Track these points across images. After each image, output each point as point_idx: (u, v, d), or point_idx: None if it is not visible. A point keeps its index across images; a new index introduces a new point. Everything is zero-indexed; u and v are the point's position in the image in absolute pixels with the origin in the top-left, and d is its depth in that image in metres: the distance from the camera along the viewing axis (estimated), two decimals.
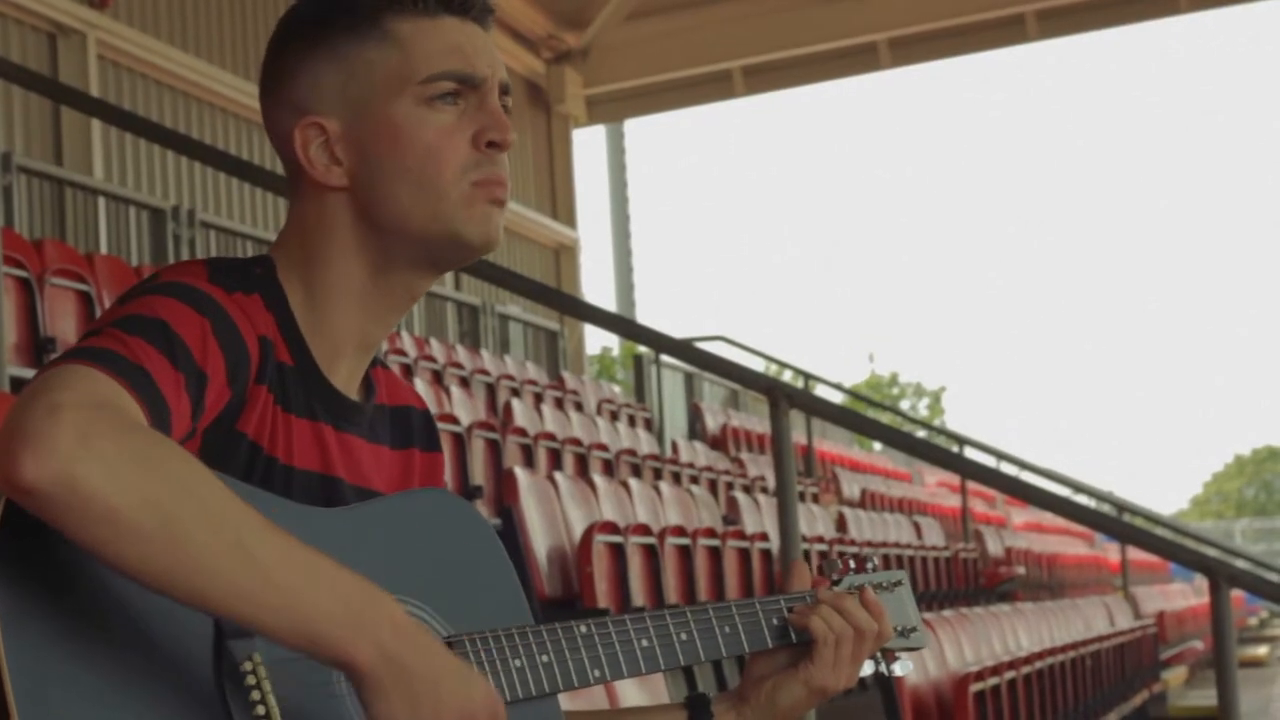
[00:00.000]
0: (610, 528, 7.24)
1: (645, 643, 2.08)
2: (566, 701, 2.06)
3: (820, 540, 10.01)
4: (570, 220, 18.43)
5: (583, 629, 2.01)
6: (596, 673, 2.00)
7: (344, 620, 1.63)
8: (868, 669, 2.31)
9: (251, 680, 1.70)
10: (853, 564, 2.35)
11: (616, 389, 16.84)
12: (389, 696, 1.66)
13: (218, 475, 1.64)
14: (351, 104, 1.94)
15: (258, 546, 1.61)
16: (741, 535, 8.60)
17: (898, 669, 2.34)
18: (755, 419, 17.37)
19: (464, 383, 10.60)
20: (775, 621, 2.22)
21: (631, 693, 4.06)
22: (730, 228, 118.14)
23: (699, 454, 13.64)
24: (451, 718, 1.69)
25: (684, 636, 2.12)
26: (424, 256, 1.97)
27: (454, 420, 8.01)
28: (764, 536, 8.77)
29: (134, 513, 1.56)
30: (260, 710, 1.70)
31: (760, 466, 13.92)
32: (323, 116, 1.95)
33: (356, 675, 1.66)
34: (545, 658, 1.96)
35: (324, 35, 1.95)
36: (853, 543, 10.84)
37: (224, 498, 1.62)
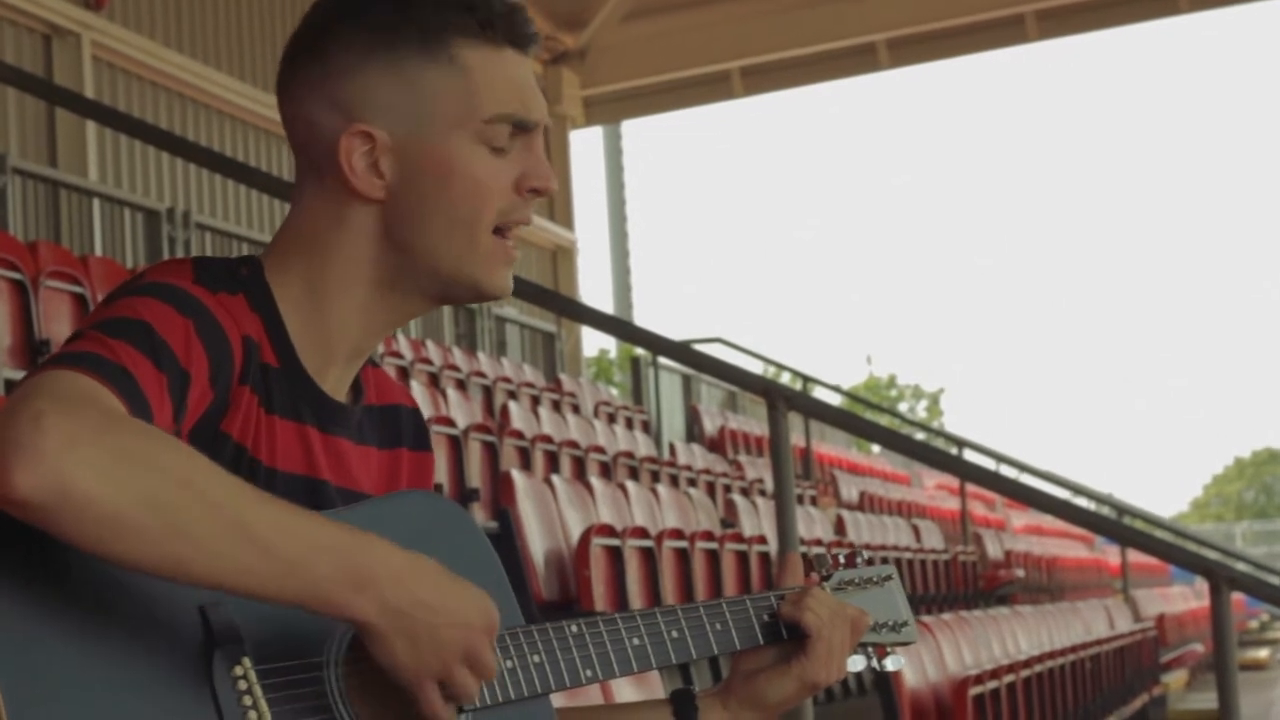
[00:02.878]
0: (607, 531, 7.22)
1: (636, 641, 2.07)
2: (559, 699, 2.05)
3: (819, 543, 9.99)
4: (567, 222, 18.40)
5: (573, 628, 2.00)
6: (588, 672, 2.00)
7: (345, 581, 1.66)
8: (860, 664, 2.31)
9: (243, 685, 1.71)
10: (842, 559, 2.35)
11: (614, 391, 16.83)
12: (392, 644, 1.70)
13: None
14: (407, 122, 1.90)
15: (255, 522, 1.62)
16: (740, 538, 8.57)
17: (889, 664, 2.34)
18: (753, 421, 17.34)
19: (460, 385, 10.56)
20: (766, 618, 2.23)
21: (628, 692, 4.03)
22: (728, 229, 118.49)
23: (696, 456, 13.62)
24: (452, 652, 1.73)
25: (675, 634, 2.12)
26: (437, 291, 1.97)
27: (450, 423, 7.98)
28: (762, 539, 8.75)
29: (131, 510, 1.56)
30: (253, 716, 1.70)
31: (758, 469, 13.89)
32: (373, 126, 1.90)
33: (361, 628, 1.70)
34: (537, 658, 1.95)
35: (387, 43, 1.91)
36: (851, 546, 10.80)
37: (216, 478, 1.63)
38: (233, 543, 1.61)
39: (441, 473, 7.56)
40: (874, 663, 2.33)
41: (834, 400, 24.26)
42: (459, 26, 1.91)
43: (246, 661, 1.71)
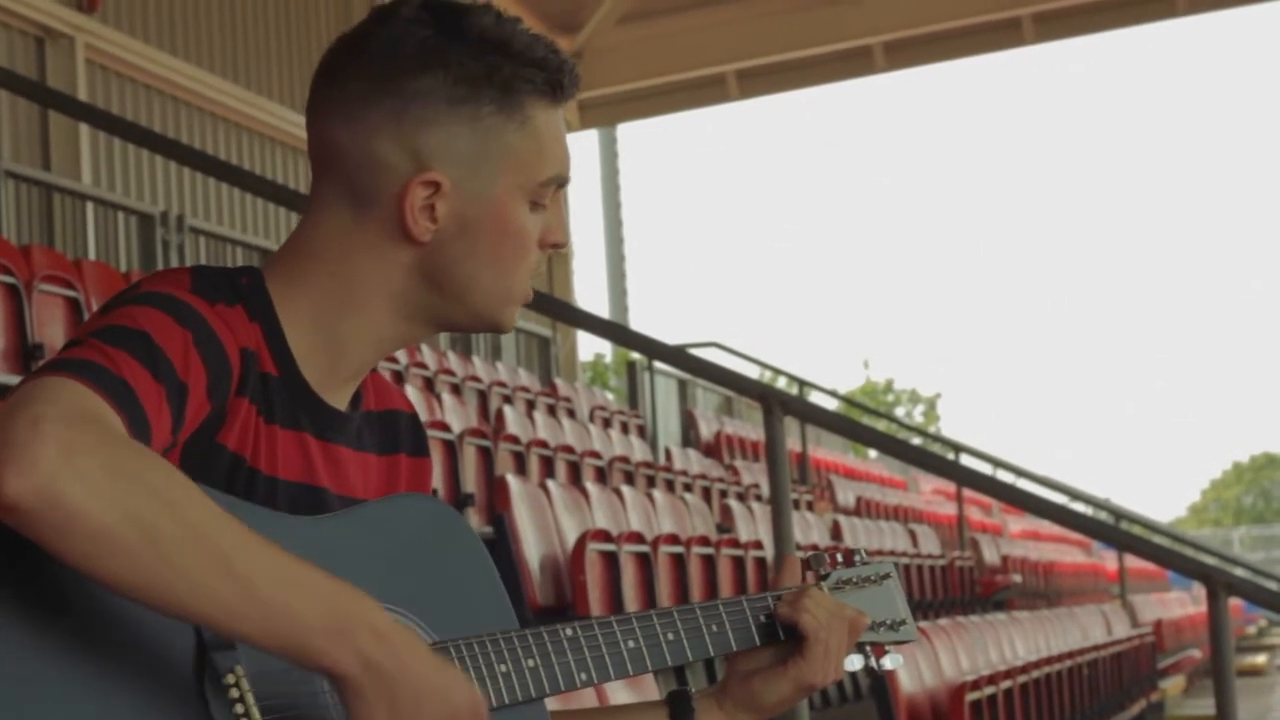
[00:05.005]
0: (603, 536, 7.20)
1: (632, 644, 2.06)
2: (553, 702, 2.04)
3: (815, 548, 9.96)
4: None
5: (568, 632, 2.00)
6: (583, 676, 2.00)
7: (326, 630, 1.64)
8: (857, 663, 2.31)
9: (235, 693, 1.70)
10: (840, 558, 2.35)
11: (609, 396, 16.81)
12: (369, 703, 1.67)
13: (200, 487, 1.64)
14: (473, 175, 1.93)
15: (240, 560, 1.62)
16: (736, 543, 8.56)
17: (888, 663, 2.34)
18: (749, 426, 17.33)
19: (456, 390, 10.53)
20: (762, 619, 2.23)
21: (621, 694, 4.01)
22: (724, 233, 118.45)
23: (692, 461, 13.60)
24: None
25: (671, 637, 2.11)
26: (452, 323, 2.01)
27: (446, 428, 7.95)
28: (758, 545, 8.74)
29: (117, 529, 1.56)
30: None
31: (754, 474, 13.88)
32: (442, 175, 1.92)
33: (339, 682, 1.67)
34: (531, 662, 1.95)
35: (469, 99, 1.93)
36: (846, 549, 10.78)
37: (207, 511, 1.62)
38: (215, 577, 1.60)
39: (436, 478, 7.52)
40: (872, 662, 2.33)
41: (830, 405, 24.25)
42: (532, 87, 1.95)
43: (239, 669, 1.71)
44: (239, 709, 1.69)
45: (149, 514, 1.57)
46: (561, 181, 2.00)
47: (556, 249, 2.03)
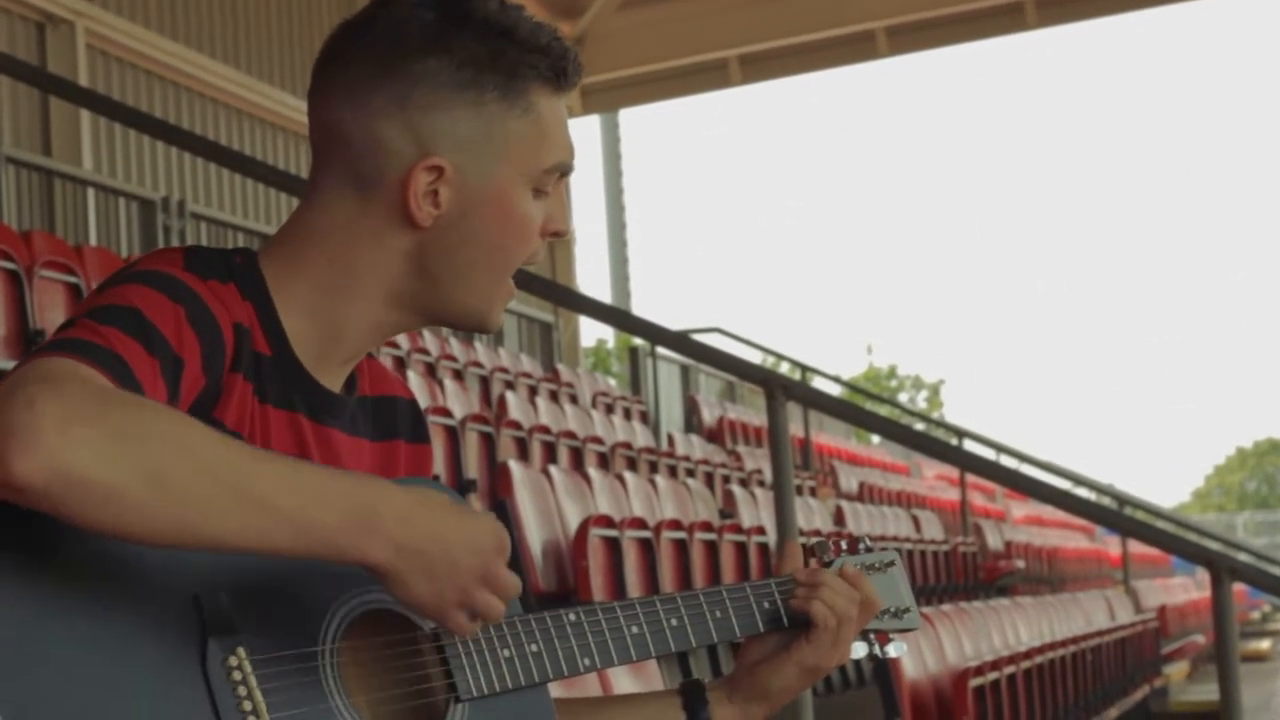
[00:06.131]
0: (605, 521, 7.19)
1: (635, 629, 2.06)
2: (558, 688, 2.04)
3: (818, 534, 9.95)
4: None
5: (571, 617, 2.00)
6: (586, 661, 2.00)
7: (352, 528, 1.69)
8: (861, 651, 2.31)
9: (238, 675, 1.70)
10: (844, 545, 2.34)
11: (612, 381, 16.82)
12: (409, 581, 1.73)
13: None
14: (476, 160, 1.93)
15: (255, 481, 1.65)
16: (738, 529, 8.55)
17: (892, 650, 2.34)
18: (752, 411, 17.34)
19: (458, 375, 10.54)
20: (766, 605, 2.22)
21: (625, 681, 4.00)
22: (727, 218, 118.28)
23: (695, 447, 13.61)
24: (470, 578, 1.75)
25: (674, 622, 2.11)
26: (439, 315, 2.01)
27: (448, 413, 7.94)
28: (761, 530, 8.73)
29: (131, 486, 1.57)
30: (247, 705, 1.70)
31: (757, 459, 13.87)
32: (445, 159, 1.92)
33: (375, 571, 1.72)
34: (534, 647, 1.95)
35: (474, 84, 1.93)
36: (851, 536, 10.78)
37: (212, 442, 1.64)
38: (236, 504, 1.63)
39: (438, 463, 7.52)
40: (876, 649, 2.32)
41: (834, 390, 24.25)
42: (536, 73, 1.95)
43: (241, 651, 1.71)
44: (241, 690, 1.70)
45: (157, 462, 1.59)
46: (565, 170, 1.99)
47: (557, 237, 2.02)
